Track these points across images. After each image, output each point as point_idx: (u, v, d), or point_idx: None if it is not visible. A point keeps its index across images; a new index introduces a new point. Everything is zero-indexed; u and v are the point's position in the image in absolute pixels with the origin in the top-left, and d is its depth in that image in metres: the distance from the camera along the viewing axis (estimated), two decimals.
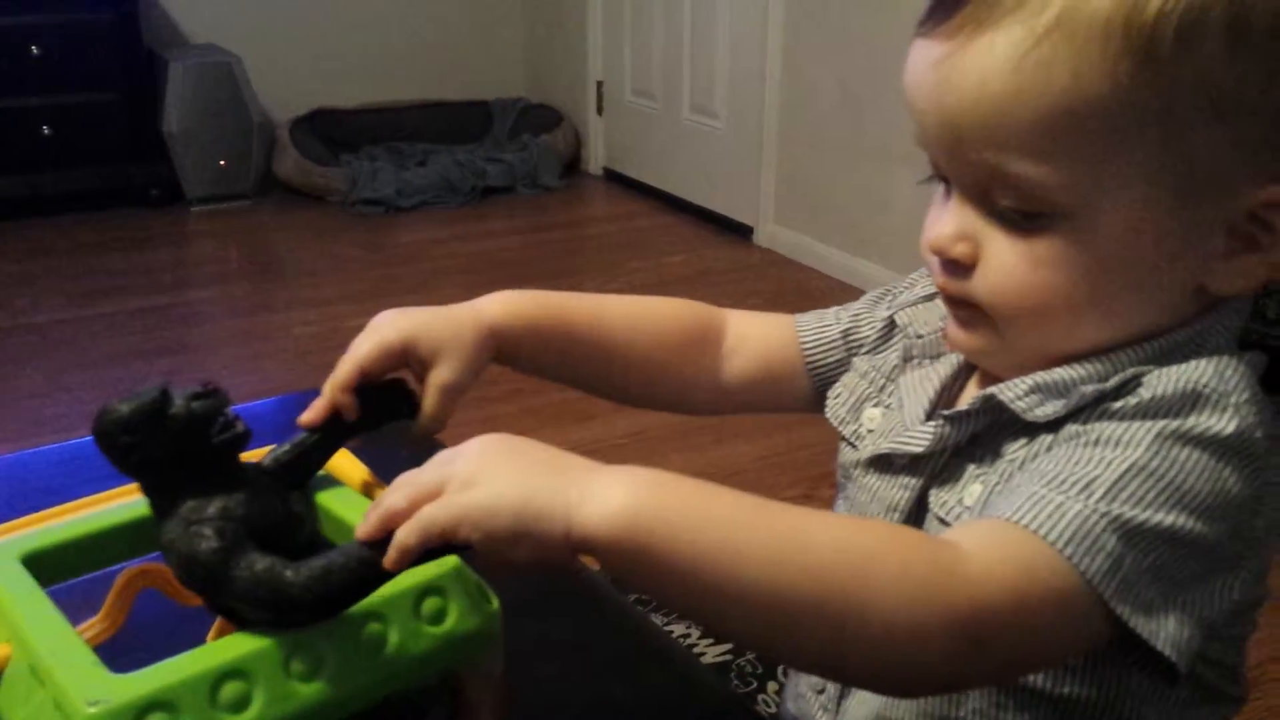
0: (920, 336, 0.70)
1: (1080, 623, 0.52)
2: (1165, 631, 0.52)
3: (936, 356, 0.69)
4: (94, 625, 0.62)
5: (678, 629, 1.16)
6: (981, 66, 0.55)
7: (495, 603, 0.57)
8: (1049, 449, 0.58)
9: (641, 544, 0.49)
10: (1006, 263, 0.59)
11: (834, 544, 0.50)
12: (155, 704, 0.47)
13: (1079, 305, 0.58)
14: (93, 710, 0.47)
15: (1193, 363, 0.57)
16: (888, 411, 0.70)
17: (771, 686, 1.07)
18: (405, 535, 0.50)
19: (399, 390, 0.68)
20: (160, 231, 3.77)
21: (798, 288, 3.30)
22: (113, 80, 3.74)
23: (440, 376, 0.68)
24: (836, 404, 0.74)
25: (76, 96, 3.70)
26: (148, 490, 0.55)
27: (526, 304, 0.74)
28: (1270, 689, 1.66)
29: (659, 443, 2.34)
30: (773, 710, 1.02)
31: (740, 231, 3.72)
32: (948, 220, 0.61)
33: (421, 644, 0.54)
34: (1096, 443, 0.55)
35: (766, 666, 1.10)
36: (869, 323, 0.76)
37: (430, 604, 0.55)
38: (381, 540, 0.51)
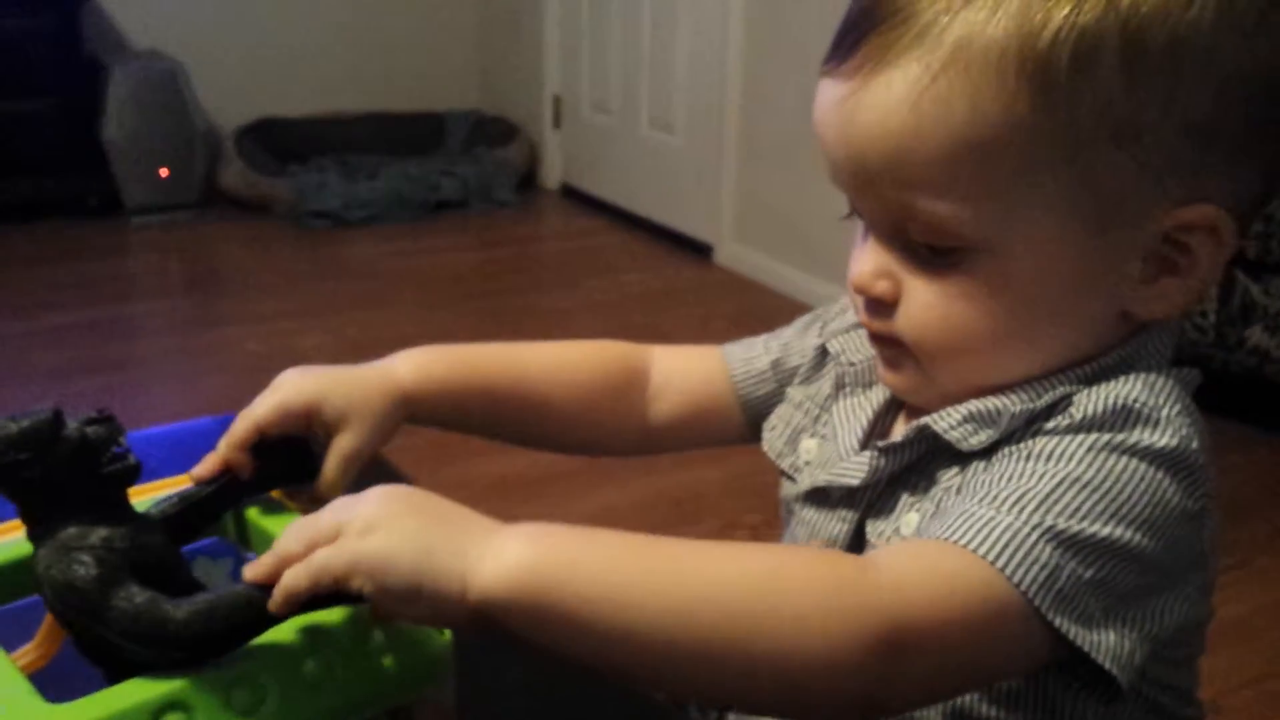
0: (853, 364, 0.69)
1: (1015, 638, 0.51)
2: (1106, 644, 0.51)
3: (869, 385, 0.69)
4: (27, 653, 0.60)
5: None
6: (882, 105, 0.56)
7: (447, 633, 0.57)
8: (984, 470, 0.58)
9: (539, 600, 0.48)
10: (926, 300, 0.59)
11: (734, 574, 0.50)
12: None
13: (1001, 338, 0.59)
14: None
15: (1121, 379, 0.58)
16: (823, 442, 0.70)
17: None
18: (294, 578, 0.49)
19: (298, 451, 0.66)
20: (99, 243, 3.65)
21: (759, 308, 3.26)
22: (51, 86, 3.63)
23: (344, 443, 0.67)
24: (773, 436, 0.74)
25: (12, 103, 3.58)
26: (26, 515, 0.53)
27: (439, 365, 0.73)
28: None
29: (618, 467, 2.27)
30: None
31: (700, 250, 3.67)
32: (866, 259, 0.61)
33: (369, 676, 0.53)
34: (1029, 457, 0.55)
35: None
36: (799, 351, 0.76)
37: (379, 635, 0.54)
38: (272, 583, 0.50)
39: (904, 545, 0.55)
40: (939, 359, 0.61)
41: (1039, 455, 0.54)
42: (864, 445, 0.66)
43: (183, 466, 0.65)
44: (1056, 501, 0.52)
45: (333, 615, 0.52)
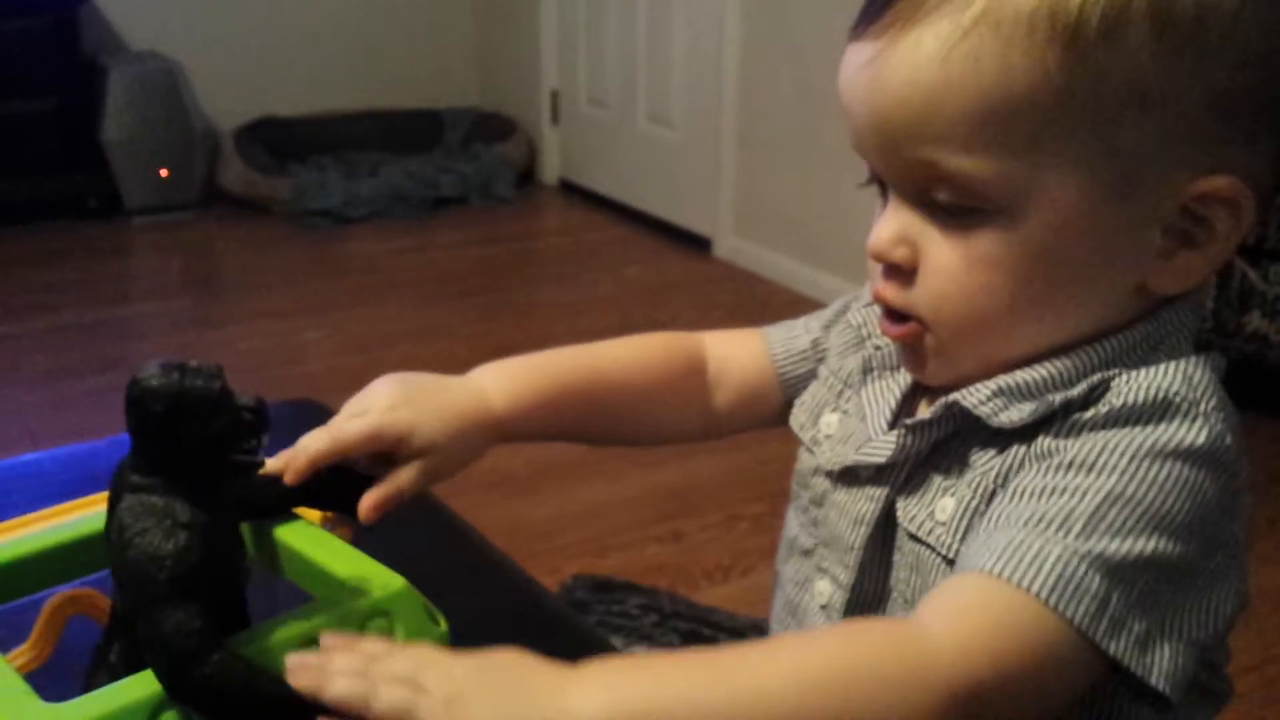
0: (879, 348, 0.69)
1: (1073, 668, 0.52)
2: (1160, 664, 0.52)
3: (897, 367, 0.68)
4: (22, 653, 0.61)
5: (639, 649, 1.11)
6: (911, 62, 0.56)
7: (443, 624, 0.57)
8: (1022, 464, 0.58)
9: None
10: (945, 265, 0.59)
11: (809, 680, 0.50)
12: None
13: (1018, 308, 0.59)
14: None
15: (1159, 368, 0.57)
16: (844, 418, 0.70)
17: None
18: (358, 691, 0.48)
19: (355, 485, 0.63)
20: (99, 244, 3.66)
21: (759, 300, 3.26)
22: (50, 87, 3.63)
23: (411, 480, 0.65)
24: (800, 410, 0.74)
25: (12, 105, 3.58)
26: (144, 465, 0.52)
27: (526, 388, 0.72)
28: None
29: (616, 459, 2.28)
30: None
31: (699, 243, 3.67)
32: (886, 224, 0.61)
33: None
34: (1070, 466, 0.55)
35: None
36: (837, 329, 0.76)
37: (376, 625, 0.55)
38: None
39: (954, 594, 0.54)
40: (956, 333, 0.60)
41: (1081, 465, 0.55)
42: (892, 425, 0.66)
43: None
44: (1101, 520, 0.53)
45: (334, 608, 0.52)
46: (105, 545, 0.52)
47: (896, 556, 0.65)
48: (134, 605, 0.50)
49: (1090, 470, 0.54)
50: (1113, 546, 0.52)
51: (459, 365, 0.76)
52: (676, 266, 3.56)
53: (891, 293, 0.62)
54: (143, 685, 0.49)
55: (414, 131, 4.36)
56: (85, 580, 0.57)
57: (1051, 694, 0.54)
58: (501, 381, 0.72)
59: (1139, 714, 0.59)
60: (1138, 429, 0.55)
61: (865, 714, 0.49)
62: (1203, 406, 0.56)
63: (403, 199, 3.97)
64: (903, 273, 0.61)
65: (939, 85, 0.56)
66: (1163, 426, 0.55)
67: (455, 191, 4.07)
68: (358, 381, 0.70)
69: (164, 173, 3.80)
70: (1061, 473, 0.55)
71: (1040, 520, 0.53)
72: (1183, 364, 0.58)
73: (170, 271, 3.61)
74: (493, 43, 4.56)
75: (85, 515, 0.63)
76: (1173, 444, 0.54)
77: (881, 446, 0.65)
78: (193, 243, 3.76)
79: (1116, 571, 0.52)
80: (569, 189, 4.34)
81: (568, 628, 0.81)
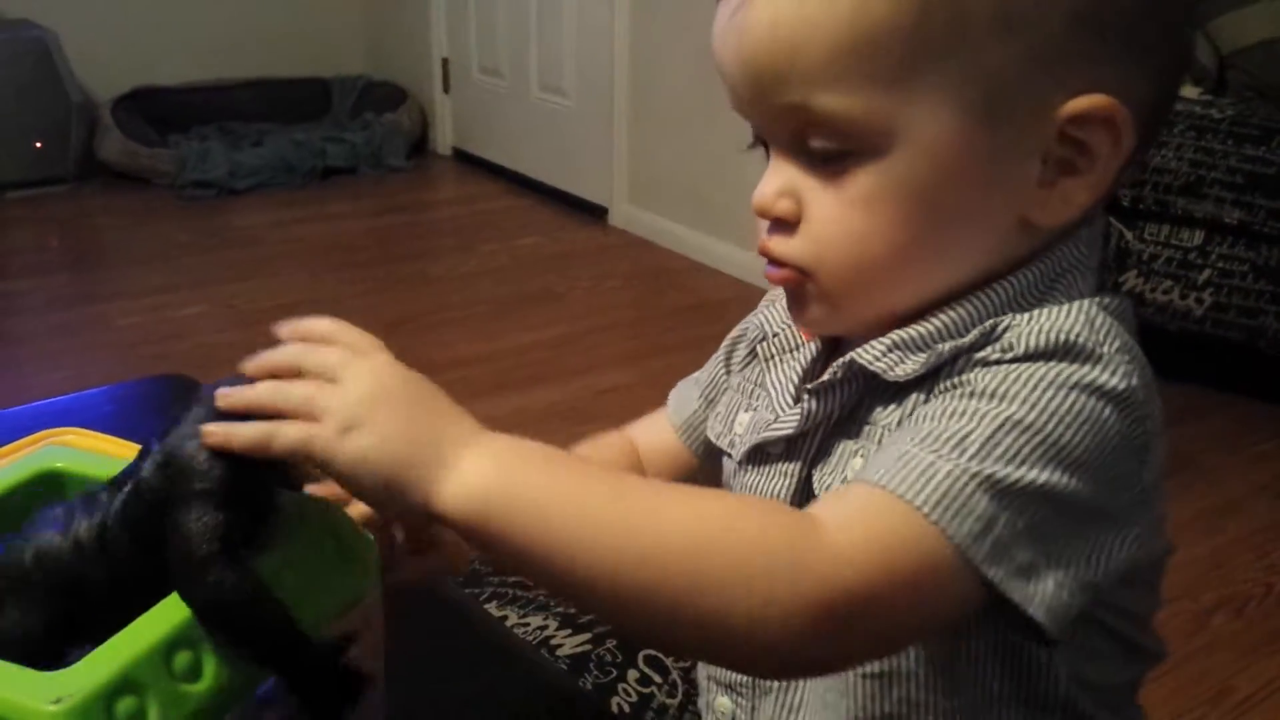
0: (776, 335, 0.69)
1: (952, 590, 0.51)
2: (1041, 595, 0.51)
3: (795, 348, 0.68)
4: None
5: (535, 620, 1.11)
6: (771, 6, 0.57)
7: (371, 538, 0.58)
8: (925, 404, 0.57)
9: (491, 529, 0.50)
10: (826, 213, 0.59)
11: (686, 528, 0.50)
12: (120, 687, 0.45)
13: (901, 249, 0.58)
14: (56, 707, 0.44)
15: (1058, 309, 0.56)
16: (756, 414, 0.69)
17: (632, 675, 1.03)
18: (257, 438, 0.50)
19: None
20: None
21: (655, 269, 3.25)
22: None
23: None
24: (715, 421, 0.74)
25: None
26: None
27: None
28: None
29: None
30: (633, 699, 0.99)
31: (595, 212, 3.65)
32: (769, 180, 0.61)
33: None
34: (973, 394, 0.54)
35: (626, 656, 1.05)
36: (732, 353, 0.76)
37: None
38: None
39: (845, 499, 0.53)
40: (840, 279, 0.60)
41: (982, 392, 0.54)
42: (797, 400, 0.66)
43: None
44: (997, 445, 0.51)
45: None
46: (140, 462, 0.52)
47: None
48: (167, 500, 0.50)
49: (992, 397, 0.53)
50: (1005, 471, 0.51)
51: None
52: (572, 236, 3.54)
53: (776, 244, 0.61)
54: (149, 628, 0.48)
55: (300, 100, 4.27)
56: None
57: (928, 613, 0.53)
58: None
59: (1056, 669, 0.59)
60: (1041, 364, 0.54)
61: (738, 584, 0.49)
62: (1107, 348, 0.54)
63: (290, 169, 3.88)
64: (788, 226, 0.60)
65: (798, 24, 0.55)
66: (1066, 364, 0.54)
67: (344, 161, 4.00)
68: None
69: (38, 145, 3.68)
70: (964, 399, 0.54)
71: (935, 438, 0.52)
72: (1084, 304, 0.56)
73: (46, 247, 3.48)
74: (381, 9, 4.47)
75: None
76: (1076, 378, 0.53)
77: (787, 419, 0.64)
78: (70, 217, 3.64)
79: (1006, 497, 0.50)
80: (462, 158, 4.29)
81: (455, 602, 0.80)
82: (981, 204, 0.58)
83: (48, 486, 0.62)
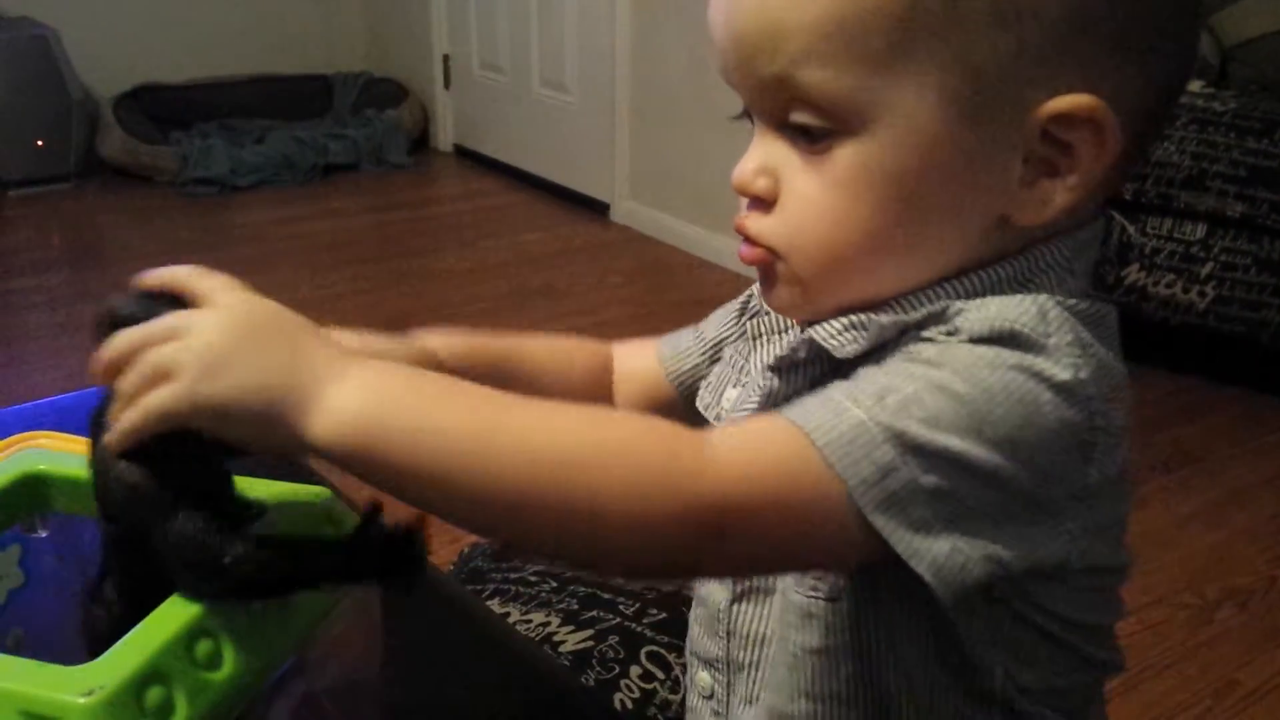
0: (767, 314, 0.69)
1: (835, 529, 0.51)
2: (933, 555, 0.50)
3: (784, 330, 0.68)
4: None
5: (537, 617, 1.11)
6: None
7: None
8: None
9: (365, 457, 0.50)
10: (803, 193, 0.58)
11: (571, 437, 0.51)
12: (148, 678, 0.47)
13: (875, 234, 0.57)
14: (88, 700, 0.45)
15: (1012, 299, 0.55)
16: (743, 390, 0.69)
17: (634, 671, 1.03)
18: (129, 421, 0.50)
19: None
20: None
21: (656, 264, 3.24)
22: None
23: None
24: (705, 391, 0.73)
25: None
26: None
27: (461, 344, 0.75)
28: None
29: None
30: (635, 695, 0.99)
31: (596, 208, 3.65)
32: (750, 157, 0.60)
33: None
34: (911, 359, 0.54)
35: (629, 652, 1.04)
36: (729, 312, 0.76)
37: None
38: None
39: (746, 425, 0.55)
40: (813, 263, 0.59)
41: (920, 359, 0.53)
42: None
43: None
44: (918, 404, 0.50)
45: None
46: (93, 482, 0.53)
47: None
48: (137, 524, 0.51)
49: (925, 364, 0.53)
50: (918, 430, 0.50)
51: None
52: (574, 231, 3.54)
53: (751, 222, 0.61)
54: (168, 620, 0.49)
55: (302, 97, 4.27)
56: None
57: (811, 545, 0.53)
58: (439, 336, 0.74)
59: (991, 665, 0.58)
60: (983, 346, 0.53)
61: (617, 490, 0.49)
62: (1055, 340, 0.53)
63: (291, 166, 3.88)
64: (765, 204, 0.60)
65: None
66: (1009, 350, 0.52)
67: (346, 158, 4.00)
68: None
69: (40, 143, 3.68)
70: (899, 362, 0.54)
71: (859, 389, 0.52)
72: (1039, 298, 0.55)
73: (48, 245, 3.48)
74: (382, 6, 4.48)
75: None
76: (1015, 361, 0.52)
77: (754, 398, 0.63)
78: (72, 215, 3.64)
79: (915, 455, 0.50)
80: (464, 155, 4.29)
81: (453, 599, 0.80)
82: (960, 197, 0.57)
83: (31, 490, 0.62)
